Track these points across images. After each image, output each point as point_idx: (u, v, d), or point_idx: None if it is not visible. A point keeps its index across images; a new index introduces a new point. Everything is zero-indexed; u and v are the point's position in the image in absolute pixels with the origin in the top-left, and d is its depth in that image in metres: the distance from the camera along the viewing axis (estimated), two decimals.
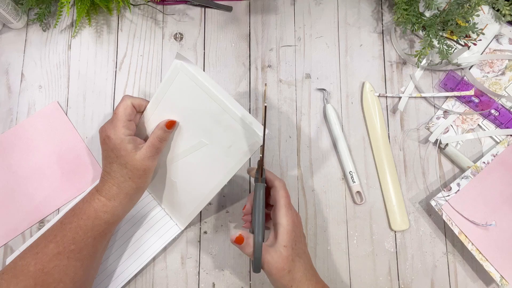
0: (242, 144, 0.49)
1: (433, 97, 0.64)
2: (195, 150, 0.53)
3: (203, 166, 0.53)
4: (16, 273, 0.46)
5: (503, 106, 0.63)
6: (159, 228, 0.59)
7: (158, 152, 0.52)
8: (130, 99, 0.51)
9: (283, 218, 0.47)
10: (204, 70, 0.65)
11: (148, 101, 0.53)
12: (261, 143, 0.47)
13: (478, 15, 0.61)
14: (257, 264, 0.45)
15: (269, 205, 0.51)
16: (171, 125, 0.51)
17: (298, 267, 0.46)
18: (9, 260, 0.58)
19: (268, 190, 0.50)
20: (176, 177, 0.56)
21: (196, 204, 0.56)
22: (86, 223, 0.49)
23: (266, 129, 0.46)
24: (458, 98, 0.64)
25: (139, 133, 0.54)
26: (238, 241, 0.46)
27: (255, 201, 0.47)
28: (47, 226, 0.59)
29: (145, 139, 0.53)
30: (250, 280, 0.59)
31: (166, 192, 0.58)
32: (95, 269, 0.52)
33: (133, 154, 0.49)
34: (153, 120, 0.53)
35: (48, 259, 0.47)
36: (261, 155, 0.47)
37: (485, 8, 0.64)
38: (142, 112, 0.53)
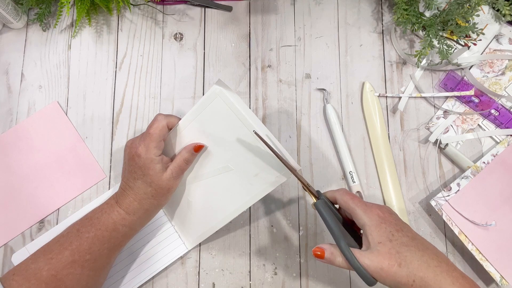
0: (269, 175, 0.49)
1: (433, 97, 0.64)
2: (218, 174, 0.53)
3: (223, 190, 0.53)
4: (27, 276, 0.46)
5: (503, 106, 0.63)
6: (166, 244, 0.58)
7: (182, 172, 0.52)
8: (165, 120, 0.50)
9: (363, 217, 0.43)
10: (204, 70, 0.65)
11: (180, 118, 0.53)
12: (289, 177, 0.48)
13: (478, 15, 0.61)
14: (362, 274, 0.41)
15: (351, 221, 0.48)
16: (199, 149, 0.52)
17: (410, 256, 0.40)
18: (15, 258, 0.58)
19: (341, 210, 0.48)
20: (194, 197, 0.55)
21: (208, 227, 0.55)
22: (104, 234, 0.49)
23: (298, 165, 0.48)
24: (458, 98, 0.64)
25: (166, 149, 0.54)
26: (319, 254, 0.44)
27: (323, 219, 0.45)
28: (55, 228, 0.59)
29: (171, 156, 0.54)
30: (250, 280, 0.59)
31: (179, 210, 0.58)
32: (104, 279, 0.52)
33: (160, 174, 0.49)
34: (181, 139, 0.53)
35: (62, 266, 0.47)
36: (299, 180, 0.47)
37: (485, 8, 0.64)
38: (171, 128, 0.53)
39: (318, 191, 0.48)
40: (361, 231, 0.46)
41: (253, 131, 0.47)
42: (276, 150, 0.46)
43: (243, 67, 0.66)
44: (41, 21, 0.65)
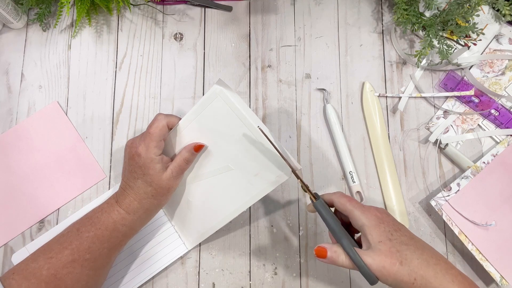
0: (269, 174, 0.49)
1: (433, 97, 0.64)
2: (218, 173, 0.53)
3: (223, 190, 0.53)
4: (27, 275, 0.46)
5: (503, 106, 0.63)
6: (166, 244, 0.58)
7: (183, 172, 0.52)
8: (166, 119, 0.50)
9: (361, 218, 0.43)
10: (204, 70, 0.65)
11: (180, 118, 0.53)
12: (289, 176, 0.48)
13: (478, 15, 0.61)
14: (365, 273, 0.42)
15: (349, 225, 0.48)
16: (199, 148, 0.52)
17: (410, 255, 0.41)
18: (15, 258, 0.58)
19: (337, 213, 0.49)
20: (193, 197, 0.55)
21: (208, 227, 0.55)
22: (103, 233, 0.49)
23: (299, 165, 0.48)
24: (458, 98, 0.64)
25: (166, 149, 0.54)
26: (321, 254, 0.44)
27: (323, 219, 0.45)
28: (55, 228, 0.59)
29: (172, 156, 0.54)
30: (250, 280, 0.59)
31: (179, 210, 0.58)
32: (104, 278, 0.52)
33: (160, 174, 0.49)
34: (181, 139, 0.53)
35: (62, 265, 0.47)
36: (298, 180, 0.47)
37: (485, 8, 0.64)
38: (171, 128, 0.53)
39: (315, 193, 0.48)
40: (357, 234, 0.46)
41: (258, 126, 0.47)
42: (278, 148, 0.47)
43: (243, 67, 0.66)
44: (41, 21, 0.65)
